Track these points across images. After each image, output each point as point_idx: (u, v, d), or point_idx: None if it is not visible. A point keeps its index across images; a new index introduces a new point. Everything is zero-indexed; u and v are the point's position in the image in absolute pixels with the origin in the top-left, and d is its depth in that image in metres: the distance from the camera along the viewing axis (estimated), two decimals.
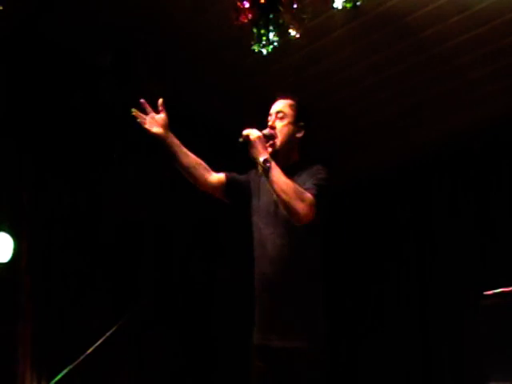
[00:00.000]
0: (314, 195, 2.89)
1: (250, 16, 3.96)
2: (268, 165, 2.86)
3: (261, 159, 2.87)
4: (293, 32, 3.98)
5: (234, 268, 5.15)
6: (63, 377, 4.21)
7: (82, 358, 4.24)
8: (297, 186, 2.88)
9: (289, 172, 2.97)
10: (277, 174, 2.86)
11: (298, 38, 4.01)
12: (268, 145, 3.02)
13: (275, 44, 3.99)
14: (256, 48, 4.01)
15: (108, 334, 4.35)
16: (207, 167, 3.19)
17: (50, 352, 4.38)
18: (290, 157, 3.11)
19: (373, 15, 4.29)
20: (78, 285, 4.60)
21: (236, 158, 3.01)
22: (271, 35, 3.99)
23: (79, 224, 4.72)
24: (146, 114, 3.09)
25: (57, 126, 4.67)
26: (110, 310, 4.65)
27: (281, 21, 3.94)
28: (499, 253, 5.23)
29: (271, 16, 3.95)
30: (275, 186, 2.87)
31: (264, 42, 4.00)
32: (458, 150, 5.62)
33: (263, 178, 2.99)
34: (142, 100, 3.08)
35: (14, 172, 4.44)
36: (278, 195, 2.87)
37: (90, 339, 4.19)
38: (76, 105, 4.73)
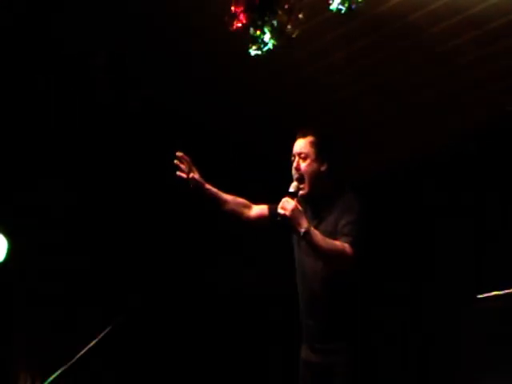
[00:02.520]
0: (352, 244, 3.08)
1: (244, 20, 3.97)
2: (308, 237, 3.01)
3: (301, 232, 3.02)
4: (288, 33, 4.00)
5: None
6: (57, 378, 4.20)
7: (74, 359, 4.23)
8: (337, 247, 3.05)
9: (323, 206, 3.26)
10: (317, 241, 3.03)
11: (292, 40, 4.04)
12: (299, 192, 3.23)
13: (270, 46, 4.00)
14: (252, 50, 4.02)
15: (101, 335, 4.35)
16: (246, 203, 3.45)
17: (45, 353, 4.37)
18: (320, 190, 3.30)
19: (366, 18, 4.28)
20: (72, 286, 4.60)
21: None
22: (266, 37, 4.00)
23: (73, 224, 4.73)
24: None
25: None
26: (103, 311, 4.64)
27: (275, 22, 3.95)
28: (493, 256, 5.24)
29: (266, 18, 3.96)
30: (318, 253, 3.09)
31: (260, 44, 4.01)
32: (456, 152, 5.62)
33: None
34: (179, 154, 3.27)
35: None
36: (321, 260, 3.13)
37: (84, 341, 4.20)
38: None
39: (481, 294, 3.76)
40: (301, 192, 3.21)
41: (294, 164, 3.29)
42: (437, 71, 4.79)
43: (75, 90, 4.72)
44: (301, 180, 3.25)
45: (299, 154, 3.29)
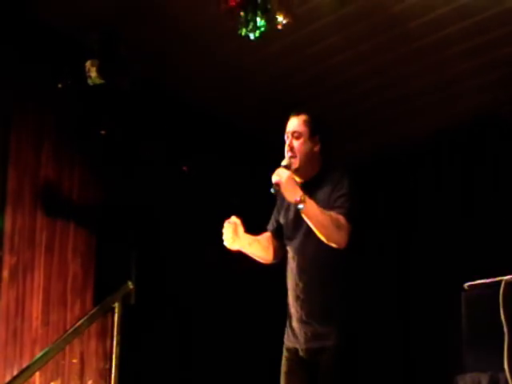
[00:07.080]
0: (346, 216, 3.10)
1: (236, 0, 3.98)
2: (303, 205, 3.02)
3: (297, 200, 3.03)
4: (280, 18, 4.01)
5: None
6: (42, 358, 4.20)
7: (61, 338, 4.24)
8: (332, 217, 3.06)
9: (312, 185, 3.24)
10: (313, 210, 3.04)
11: (285, 24, 4.06)
12: (291, 166, 3.22)
13: (262, 29, 4.01)
14: (243, 32, 4.03)
15: (87, 315, 4.36)
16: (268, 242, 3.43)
17: (31, 328, 4.38)
18: (311, 170, 3.31)
19: (361, 4, 4.30)
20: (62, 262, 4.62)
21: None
22: (259, 20, 4.01)
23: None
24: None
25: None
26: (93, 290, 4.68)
27: (269, 6, 3.96)
28: (481, 244, 5.28)
29: (259, 1, 3.97)
30: (313, 222, 3.06)
31: (251, 27, 4.02)
32: (444, 141, 5.68)
33: None
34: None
35: None
36: (317, 229, 3.06)
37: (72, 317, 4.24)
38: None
39: (468, 282, 3.76)
40: (293, 166, 3.21)
41: (288, 142, 3.29)
42: (425, 61, 4.82)
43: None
44: (293, 158, 3.25)
45: (293, 133, 3.28)
